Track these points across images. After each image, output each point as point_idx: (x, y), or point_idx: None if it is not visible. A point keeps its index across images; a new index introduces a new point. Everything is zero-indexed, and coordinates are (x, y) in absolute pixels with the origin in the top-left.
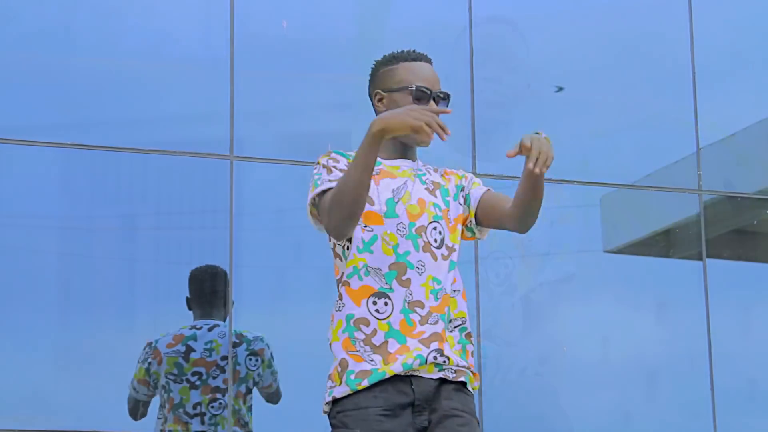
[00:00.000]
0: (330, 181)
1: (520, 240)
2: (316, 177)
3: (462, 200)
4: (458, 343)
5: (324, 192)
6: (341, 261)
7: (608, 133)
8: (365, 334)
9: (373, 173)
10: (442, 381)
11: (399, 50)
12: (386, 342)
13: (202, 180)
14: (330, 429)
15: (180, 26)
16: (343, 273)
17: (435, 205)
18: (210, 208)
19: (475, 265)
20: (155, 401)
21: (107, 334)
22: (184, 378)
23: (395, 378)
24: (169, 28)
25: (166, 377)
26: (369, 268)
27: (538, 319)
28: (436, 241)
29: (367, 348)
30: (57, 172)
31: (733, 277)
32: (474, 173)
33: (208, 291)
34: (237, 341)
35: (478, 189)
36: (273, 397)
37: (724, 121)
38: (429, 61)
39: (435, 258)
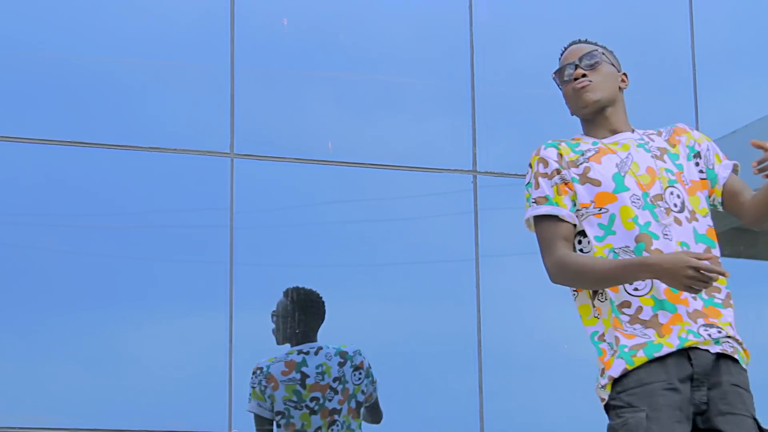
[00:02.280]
0: (536, 201)
1: (521, 238)
2: (527, 190)
3: (701, 165)
4: (724, 310)
5: (537, 218)
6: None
7: None
8: (629, 315)
9: (593, 153)
10: (720, 355)
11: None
12: (656, 315)
13: (203, 178)
14: (608, 417)
15: (180, 26)
16: None
17: (667, 170)
18: (210, 206)
19: (475, 263)
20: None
21: (109, 331)
22: (303, 405)
23: (672, 352)
24: (169, 28)
25: (285, 404)
26: (616, 250)
27: (538, 318)
28: (676, 206)
29: (637, 326)
30: (57, 170)
31: (733, 275)
32: (474, 171)
33: (311, 314)
34: (341, 360)
35: (723, 167)
36: (375, 412)
37: (725, 119)
38: (574, 43)
39: (680, 222)
